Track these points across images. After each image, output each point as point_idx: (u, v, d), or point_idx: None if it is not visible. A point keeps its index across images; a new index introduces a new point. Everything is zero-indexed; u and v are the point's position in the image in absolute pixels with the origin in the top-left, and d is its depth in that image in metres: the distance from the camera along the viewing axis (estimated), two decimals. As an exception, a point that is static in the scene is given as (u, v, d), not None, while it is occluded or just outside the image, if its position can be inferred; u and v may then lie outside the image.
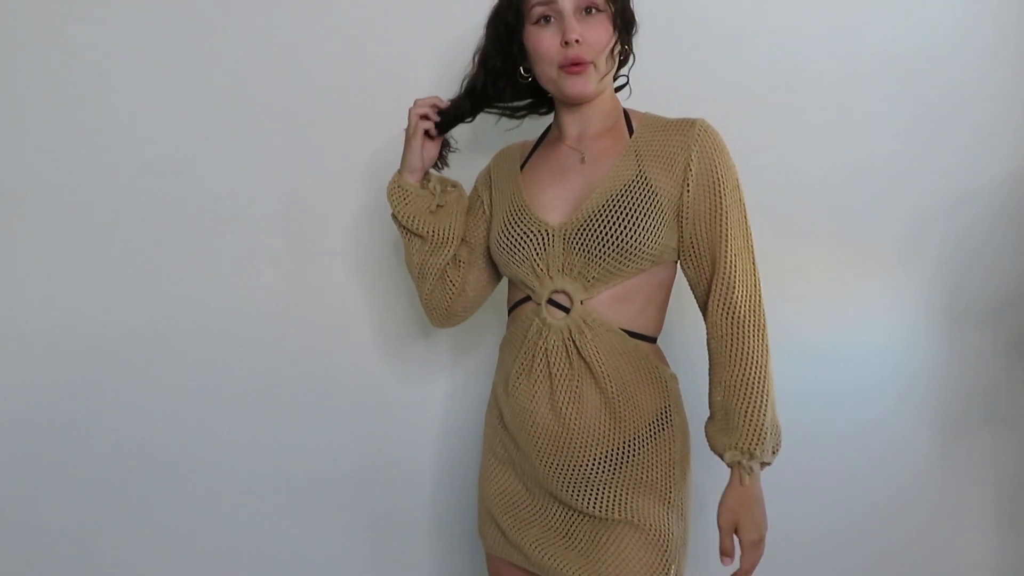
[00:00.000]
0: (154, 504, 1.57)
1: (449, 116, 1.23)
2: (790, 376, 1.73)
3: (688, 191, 1.12)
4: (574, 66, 1.12)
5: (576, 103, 1.18)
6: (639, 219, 1.10)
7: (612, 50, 1.15)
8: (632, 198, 1.12)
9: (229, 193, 1.55)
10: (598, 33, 1.12)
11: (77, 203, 1.50)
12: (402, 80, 1.52)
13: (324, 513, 1.64)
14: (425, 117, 1.22)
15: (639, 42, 1.22)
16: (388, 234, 1.59)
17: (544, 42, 1.13)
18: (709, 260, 1.14)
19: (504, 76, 1.21)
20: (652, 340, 1.20)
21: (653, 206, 1.11)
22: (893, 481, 1.80)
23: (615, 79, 1.23)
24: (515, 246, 1.17)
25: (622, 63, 1.23)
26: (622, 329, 1.14)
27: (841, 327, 1.74)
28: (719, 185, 1.12)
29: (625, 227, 1.10)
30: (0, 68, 1.47)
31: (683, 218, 1.13)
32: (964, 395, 1.80)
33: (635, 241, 1.10)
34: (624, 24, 1.16)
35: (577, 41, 1.10)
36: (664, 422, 1.16)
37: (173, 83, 1.51)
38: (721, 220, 1.11)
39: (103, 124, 1.50)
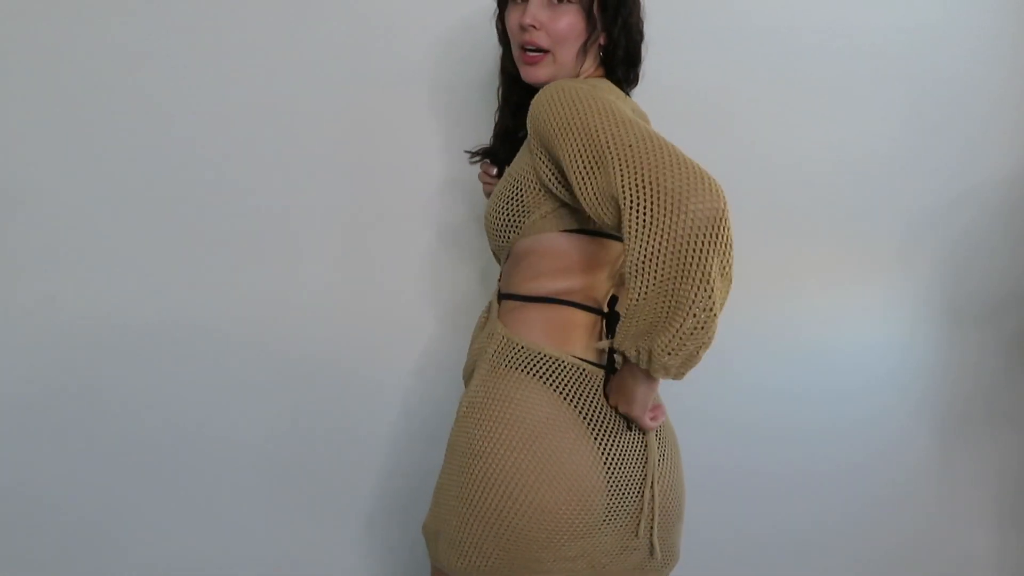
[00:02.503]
0: (158, 499, 1.58)
1: (493, 147, 1.30)
2: (790, 375, 1.74)
3: (536, 156, 1.02)
4: (528, 53, 1.09)
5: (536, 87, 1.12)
6: (499, 198, 1.09)
7: (585, 43, 1.08)
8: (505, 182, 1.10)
9: (231, 191, 1.55)
10: (564, 23, 1.06)
11: (80, 201, 1.51)
12: (408, 79, 1.53)
13: (329, 511, 1.65)
14: (485, 182, 1.36)
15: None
16: (391, 233, 1.60)
17: (511, 20, 1.10)
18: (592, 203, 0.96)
19: (513, 76, 1.18)
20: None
21: (507, 183, 1.08)
22: (893, 480, 1.80)
23: (619, 72, 1.14)
24: None
25: (627, 56, 1.13)
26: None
27: (841, 326, 1.75)
28: (546, 138, 0.98)
29: (490, 207, 1.11)
30: (1, 67, 1.47)
31: (546, 183, 1.02)
32: (964, 394, 1.80)
33: (489, 217, 1.11)
34: (610, 16, 1.08)
35: (534, 26, 1.06)
36: None
37: (174, 82, 1.51)
38: (566, 163, 0.95)
39: (103, 123, 1.51)
